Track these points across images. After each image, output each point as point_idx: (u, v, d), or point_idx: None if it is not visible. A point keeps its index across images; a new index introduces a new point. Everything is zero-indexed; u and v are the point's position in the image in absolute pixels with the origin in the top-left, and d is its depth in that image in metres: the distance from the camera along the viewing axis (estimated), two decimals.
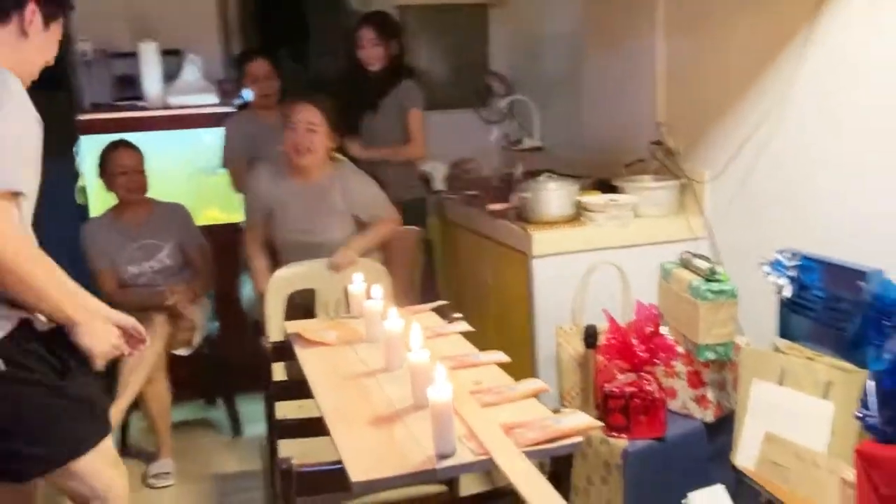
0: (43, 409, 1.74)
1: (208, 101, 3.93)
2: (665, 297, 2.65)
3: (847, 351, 1.93)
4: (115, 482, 1.88)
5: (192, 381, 3.53)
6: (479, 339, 2.12)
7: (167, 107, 3.89)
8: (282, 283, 2.83)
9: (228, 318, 3.60)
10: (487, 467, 1.39)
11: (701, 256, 2.63)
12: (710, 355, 2.40)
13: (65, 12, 1.88)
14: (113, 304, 1.96)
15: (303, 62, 5.50)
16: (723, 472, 2.19)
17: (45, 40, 1.82)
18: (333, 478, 1.41)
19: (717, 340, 2.42)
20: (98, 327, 1.78)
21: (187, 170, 3.96)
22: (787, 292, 2.08)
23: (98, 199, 3.63)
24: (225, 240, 3.54)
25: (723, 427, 2.35)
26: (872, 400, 1.73)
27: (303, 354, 2.01)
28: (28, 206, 1.70)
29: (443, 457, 1.39)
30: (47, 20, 1.80)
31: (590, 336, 2.57)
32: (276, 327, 2.65)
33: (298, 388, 1.98)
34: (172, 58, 3.95)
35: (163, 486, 3.10)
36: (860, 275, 1.90)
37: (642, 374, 2.41)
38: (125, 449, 3.32)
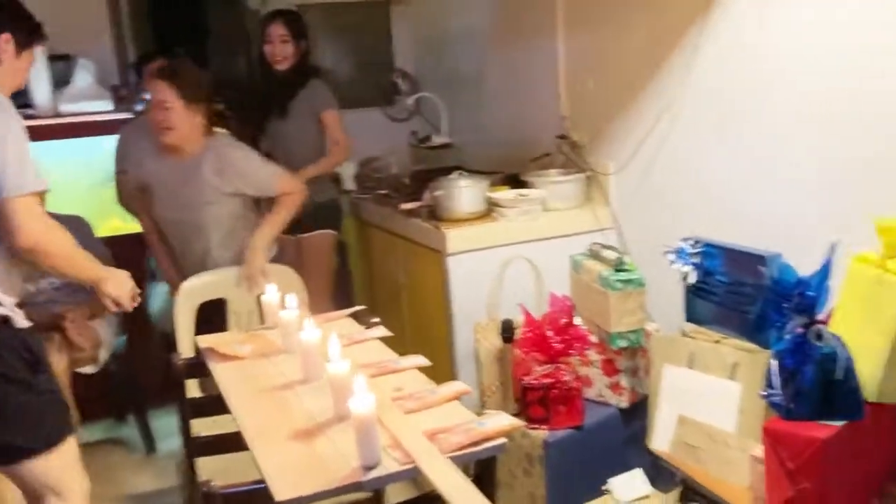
0: (18, 404, 1.92)
1: (103, 107, 3.78)
2: (577, 289, 2.71)
3: (751, 333, 2.01)
4: (77, 481, 2.05)
5: (100, 399, 3.40)
6: (398, 340, 2.11)
7: (59, 115, 3.72)
8: (190, 293, 2.73)
9: (136, 331, 3.48)
10: (414, 475, 1.40)
11: (609, 247, 2.69)
12: (622, 343, 2.47)
13: (37, 42, 2.12)
14: None
15: (202, 63, 5.35)
16: (639, 456, 2.25)
17: (17, 66, 2.07)
18: (258, 498, 1.38)
19: (627, 328, 2.49)
20: (119, 278, 2.12)
21: (85, 180, 3.80)
22: (692, 278, 2.15)
23: None
24: (128, 251, 3.41)
25: (637, 412, 2.42)
26: (776, 379, 1.80)
27: (217, 369, 1.96)
28: None
29: (368, 468, 1.39)
30: (19, 49, 2.06)
31: (506, 330, 2.60)
32: (187, 341, 2.56)
33: (214, 404, 1.93)
34: (62, 63, 3.78)
35: None
36: (760, 259, 1.98)
37: (559, 364, 2.45)
38: None
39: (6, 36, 2.03)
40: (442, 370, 2.88)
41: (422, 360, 1.86)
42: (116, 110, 3.78)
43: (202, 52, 5.39)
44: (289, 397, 1.74)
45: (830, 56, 2.02)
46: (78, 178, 3.77)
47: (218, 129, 2.93)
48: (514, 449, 2.43)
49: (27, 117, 3.61)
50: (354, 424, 1.37)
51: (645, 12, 2.64)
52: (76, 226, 3.32)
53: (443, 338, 2.90)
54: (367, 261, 3.75)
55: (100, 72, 3.87)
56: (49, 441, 1.97)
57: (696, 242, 2.16)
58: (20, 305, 2.88)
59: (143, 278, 3.34)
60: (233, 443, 1.71)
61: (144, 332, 3.38)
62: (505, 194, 2.99)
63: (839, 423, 1.71)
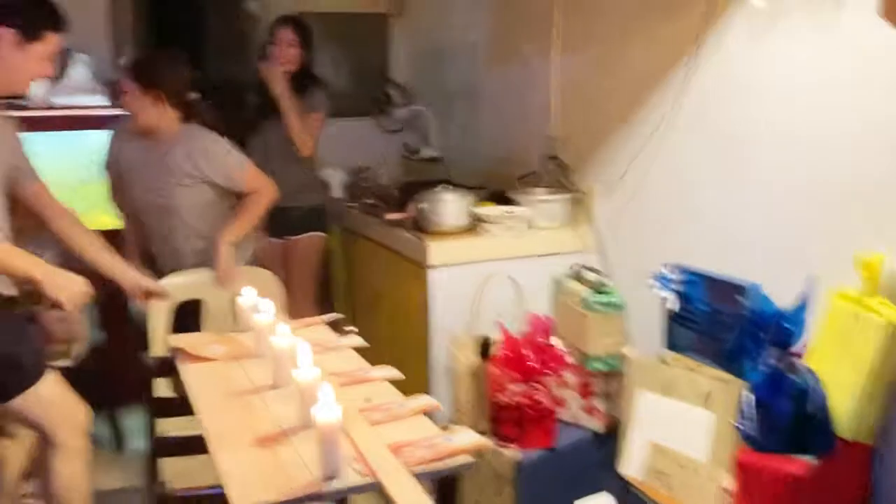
0: None
1: (97, 102, 3.76)
2: (557, 309, 2.70)
3: (727, 362, 2.00)
4: (60, 425, 2.22)
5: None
6: (375, 350, 2.09)
7: (52, 107, 3.70)
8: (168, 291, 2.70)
9: (114, 327, 3.44)
10: (375, 489, 1.37)
11: (591, 269, 2.69)
12: (599, 366, 2.46)
13: (48, 32, 2.13)
14: None
15: (199, 65, 5.34)
16: (611, 481, 2.23)
17: (23, 60, 2.12)
18: (215, 502, 1.36)
19: (605, 351, 2.48)
20: (58, 280, 2.11)
21: (75, 174, 3.77)
22: (673, 305, 2.15)
23: None
24: (115, 246, 3.38)
25: (612, 436, 2.40)
26: (749, 410, 1.79)
27: (186, 370, 1.94)
28: None
29: (329, 478, 1.36)
30: (23, 42, 2.10)
31: (484, 347, 2.59)
32: (161, 341, 2.54)
33: (182, 404, 1.90)
34: (58, 56, 3.75)
35: None
36: (739, 289, 1.98)
37: (534, 384, 2.44)
38: None
39: (5, 31, 2.07)
40: (417, 383, 2.86)
41: (393, 372, 1.84)
42: (111, 106, 3.76)
43: (200, 53, 5.40)
44: (256, 402, 1.72)
45: (817, 89, 2.02)
46: (69, 172, 3.74)
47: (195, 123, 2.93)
48: (486, 468, 2.41)
49: (20, 108, 3.63)
50: (317, 433, 1.35)
51: (640, 37, 2.65)
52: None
53: (420, 351, 2.88)
54: (350, 269, 3.74)
55: (96, 67, 3.85)
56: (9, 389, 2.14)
57: (679, 269, 2.16)
58: None
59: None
60: (198, 445, 1.69)
61: (123, 330, 3.34)
62: (490, 210, 2.98)
63: (811, 459, 1.70)
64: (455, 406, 2.64)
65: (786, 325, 1.86)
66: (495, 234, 2.91)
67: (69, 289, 2.12)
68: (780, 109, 2.14)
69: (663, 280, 2.17)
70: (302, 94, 3.46)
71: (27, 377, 2.19)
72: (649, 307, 2.27)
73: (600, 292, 2.55)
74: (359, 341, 2.08)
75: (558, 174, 3.10)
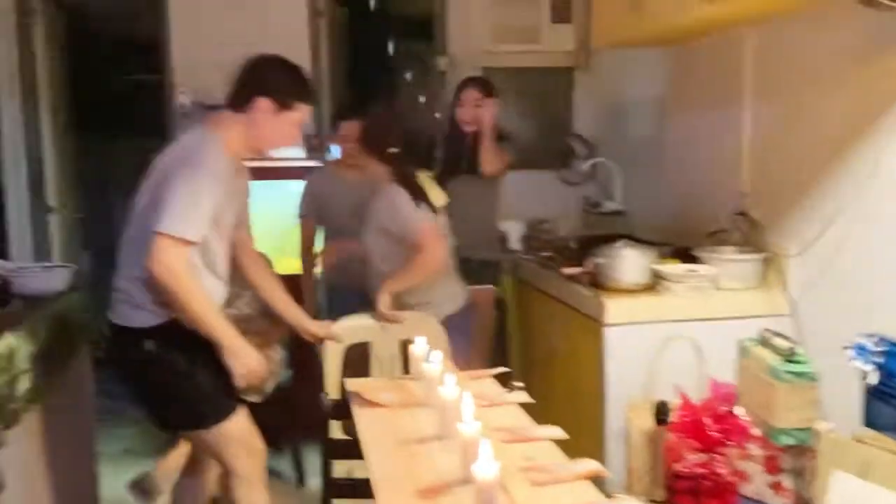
0: (171, 386, 2.32)
1: (296, 154, 4.04)
2: (742, 376, 2.53)
3: None
4: (241, 460, 2.39)
5: (260, 428, 3.56)
6: (547, 407, 2.06)
7: (255, 159, 4.01)
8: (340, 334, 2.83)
9: (300, 366, 3.63)
10: None
11: (782, 335, 2.50)
12: (788, 440, 2.27)
13: (299, 102, 2.35)
14: None
15: (390, 119, 5.62)
16: None
17: (276, 125, 2.33)
18: None
19: (795, 425, 2.28)
20: (241, 355, 2.30)
21: (271, 220, 4.06)
22: (872, 379, 1.95)
23: None
24: (295, 290, 3.59)
25: None
26: None
27: (359, 414, 2.00)
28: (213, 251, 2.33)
29: None
30: (278, 110, 2.31)
31: (661, 412, 2.47)
32: (334, 382, 2.65)
33: (355, 447, 1.96)
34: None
35: None
36: None
37: (715, 455, 2.29)
38: None
39: (262, 100, 2.30)
40: (589, 445, 2.77)
41: (558, 432, 1.79)
42: (307, 158, 4.02)
43: (392, 108, 5.69)
44: (422, 452, 1.73)
45: None
46: (264, 219, 4.03)
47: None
48: None
49: None
50: (476, 489, 1.34)
51: (840, 88, 2.47)
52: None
53: (593, 411, 2.80)
54: (525, 322, 3.72)
55: None
56: (196, 422, 2.36)
57: (881, 340, 1.97)
58: None
59: (313, 317, 3.50)
60: (368, 489, 1.73)
61: (308, 368, 3.52)
62: (673, 268, 2.86)
63: None
64: (628, 472, 2.53)
65: None
66: (677, 293, 2.79)
67: (248, 366, 2.31)
68: None
69: (862, 351, 1.98)
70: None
71: (223, 411, 2.37)
72: (845, 380, 2.07)
73: (791, 361, 2.36)
74: (525, 398, 2.05)
75: (749, 232, 2.94)
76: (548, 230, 3.88)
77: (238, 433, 2.41)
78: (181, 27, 4.30)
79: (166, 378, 2.31)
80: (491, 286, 3.55)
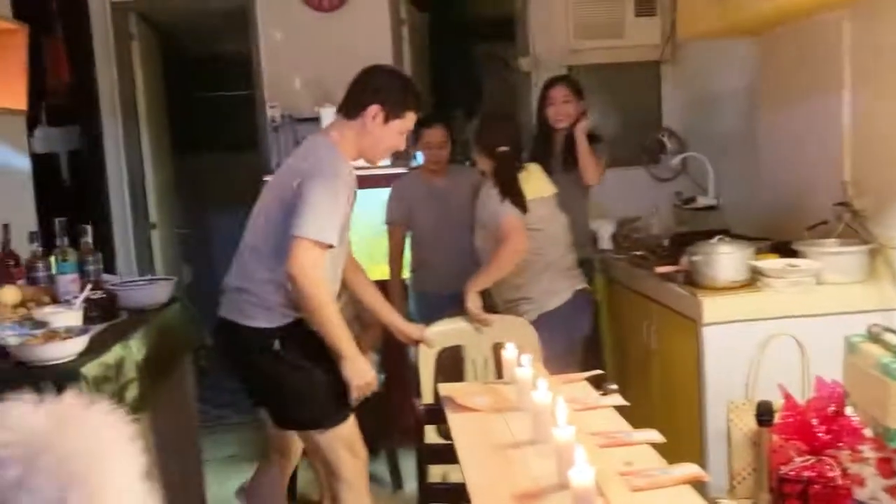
0: (294, 385, 2.37)
1: (382, 163, 4.08)
2: (850, 374, 2.42)
3: None
4: (348, 464, 2.43)
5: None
6: (643, 409, 2.02)
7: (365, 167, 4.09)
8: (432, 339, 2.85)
9: (394, 371, 3.67)
10: None
11: (892, 330, 2.38)
12: None
13: (408, 111, 2.41)
14: None
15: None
16: None
17: (385, 133, 2.40)
18: None
19: None
20: (359, 367, 2.36)
21: (361, 228, 4.12)
22: None
23: None
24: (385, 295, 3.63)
25: None
26: None
27: (453, 419, 2.00)
28: (335, 255, 2.39)
29: None
30: (387, 118, 2.38)
31: (763, 413, 2.38)
32: (428, 387, 2.67)
33: (450, 451, 1.96)
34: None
35: None
36: None
37: (823, 457, 2.19)
38: (293, 500, 3.43)
39: (374, 109, 2.37)
40: (688, 448, 2.70)
41: (655, 436, 1.75)
42: (392, 165, 4.07)
43: (476, 110, 5.69)
44: (516, 457, 1.72)
45: None
46: (354, 226, 4.10)
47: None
48: None
49: None
50: (573, 495, 1.32)
51: None
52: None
53: (692, 413, 2.72)
54: (617, 323, 3.65)
55: None
56: (313, 422, 2.42)
57: None
58: None
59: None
60: (464, 494, 1.72)
61: (402, 373, 3.55)
62: (772, 263, 2.76)
63: None
64: (731, 475, 2.44)
65: None
66: (778, 289, 2.68)
67: (363, 378, 2.36)
68: None
69: None
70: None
71: (339, 414, 2.45)
72: None
73: None
74: (619, 401, 2.01)
75: (852, 223, 2.80)
76: (638, 228, 3.80)
77: (348, 438, 2.47)
78: (270, 43, 4.42)
79: (289, 377, 2.39)
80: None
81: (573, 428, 1.49)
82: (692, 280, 2.85)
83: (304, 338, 2.39)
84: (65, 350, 2.09)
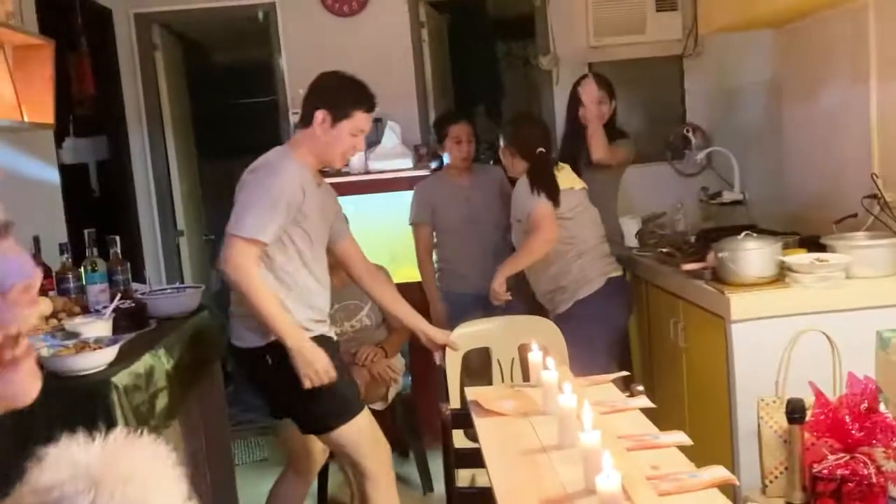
0: (298, 393, 2.38)
1: (405, 165, 4.10)
2: (883, 370, 2.38)
3: None
4: (372, 455, 2.49)
5: (385, 435, 3.63)
6: (672, 407, 2.01)
7: (368, 172, 4.11)
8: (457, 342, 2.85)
9: (422, 373, 3.68)
10: None
11: None
12: None
13: (354, 110, 2.41)
14: None
15: (497, 120, 5.63)
16: None
17: (335, 136, 2.42)
18: None
19: None
20: (305, 355, 2.35)
21: (385, 230, 4.14)
22: None
23: None
24: (419, 297, 3.64)
25: None
26: None
27: (480, 424, 2.00)
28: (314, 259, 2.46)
29: None
30: (335, 121, 2.40)
31: (794, 411, 2.35)
32: (455, 390, 2.67)
33: (477, 454, 1.96)
34: (374, 125, 4.16)
35: None
36: None
37: (857, 455, 2.16)
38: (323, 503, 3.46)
39: (320, 114, 2.41)
40: (719, 445, 2.68)
41: (683, 438, 1.73)
42: (415, 168, 4.07)
43: (498, 109, 5.68)
44: (542, 461, 1.72)
45: None
46: (379, 229, 4.12)
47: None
48: None
49: (342, 174, 4.08)
50: (600, 501, 1.31)
51: None
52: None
53: (721, 411, 2.69)
54: (645, 320, 3.62)
55: (404, 132, 4.21)
56: (323, 425, 2.48)
57: None
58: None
59: (431, 323, 3.54)
60: (491, 499, 1.72)
61: (429, 375, 3.56)
62: (800, 258, 2.72)
63: None
64: (762, 474, 2.42)
65: None
66: (807, 284, 2.65)
67: (313, 366, 2.36)
68: None
69: None
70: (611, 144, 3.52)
71: (350, 410, 2.48)
72: None
73: None
74: (646, 402, 2.00)
75: (882, 216, 2.76)
76: (664, 224, 3.77)
77: (365, 429, 2.52)
78: (292, 49, 4.44)
79: (291, 386, 2.41)
80: None
81: (599, 432, 1.48)
82: (719, 277, 2.82)
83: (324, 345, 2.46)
84: (96, 360, 2.12)
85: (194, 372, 2.66)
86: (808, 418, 2.26)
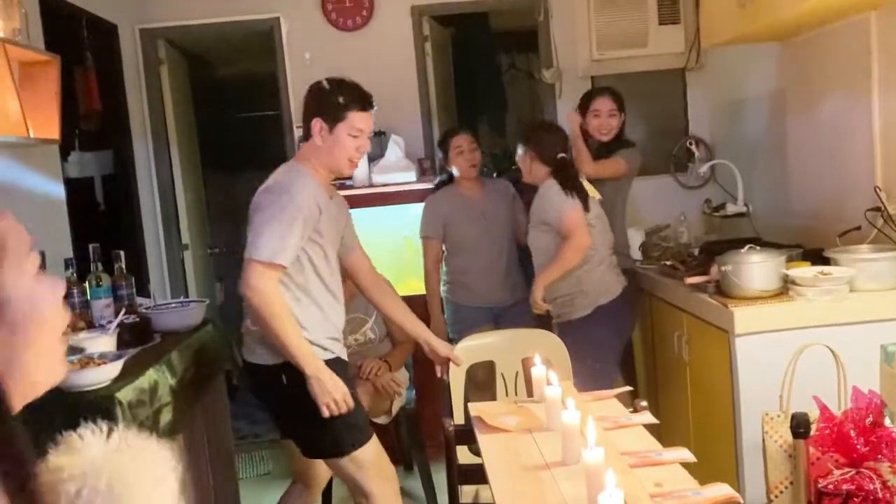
0: (309, 416, 2.37)
1: (409, 178, 4.11)
2: (888, 384, 2.37)
3: None
4: (375, 481, 2.46)
5: (389, 449, 3.62)
6: (676, 421, 2.00)
7: (372, 185, 4.12)
8: (461, 356, 2.85)
9: (425, 387, 3.68)
10: None
11: None
12: None
13: (347, 112, 2.39)
14: None
15: (501, 133, 5.65)
16: None
17: (336, 141, 2.41)
18: None
19: None
20: (324, 383, 2.34)
21: (389, 243, 4.14)
22: None
23: None
24: (420, 311, 3.64)
25: None
26: None
27: (483, 440, 2.00)
28: (321, 273, 2.44)
29: None
30: (331, 126, 2.40)
31: (799, 425, 2.34)
32: (458, 405, 2.67)
33: (480, 471, 1.96)
34: (377, 138, 4.18)
35: None
36: None
37: (862, 470, 2.15)
38: None
39: (316, 123, 2.41)
40: (724, 459, 2.67)
41: (686, 455, 1.73)
42: (418, 181, 4.08)
43: (501, 122, 5.69)
44: (546, 478, 1.71)
45: None
46: (383, 242, 4.13)
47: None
48: None
49: (346, 188, 4.09)
50: None
51: None
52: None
53: (725, 425, 2.69)
54: (648, 333, 3.62)
55: (408, 146, 4.22)
56: (330, 450, 2.47)
57: None
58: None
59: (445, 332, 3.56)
60: None
61: (433, 389, 3.56)
62: (804, 271, 2.72)
63: None
64: (767, 488, 2.41)
65: None
66: (811, 298, 2.64)
67: (332, 395, 2.34)
68: None
69: None
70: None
71: (360, 439, 2.46)
72: None
73: None
74: (650, 418, 1.99)
75: (887, 229, 2.75)
76: (667, 237, 3.77)
77: (372, 458, 2.48)
78: (296, 63, 4.46)
79: (303, 408, 2.39)
80: None
81: (602, 450, 1.48)
82: (723, 290, 2.82)
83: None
84: (100, 376, 2.12)
85: (198, 386, 2.66)
86: (812, 433, 2.25)
